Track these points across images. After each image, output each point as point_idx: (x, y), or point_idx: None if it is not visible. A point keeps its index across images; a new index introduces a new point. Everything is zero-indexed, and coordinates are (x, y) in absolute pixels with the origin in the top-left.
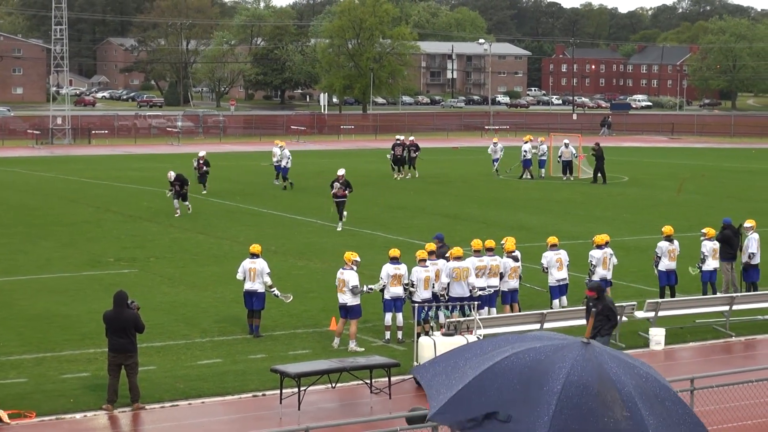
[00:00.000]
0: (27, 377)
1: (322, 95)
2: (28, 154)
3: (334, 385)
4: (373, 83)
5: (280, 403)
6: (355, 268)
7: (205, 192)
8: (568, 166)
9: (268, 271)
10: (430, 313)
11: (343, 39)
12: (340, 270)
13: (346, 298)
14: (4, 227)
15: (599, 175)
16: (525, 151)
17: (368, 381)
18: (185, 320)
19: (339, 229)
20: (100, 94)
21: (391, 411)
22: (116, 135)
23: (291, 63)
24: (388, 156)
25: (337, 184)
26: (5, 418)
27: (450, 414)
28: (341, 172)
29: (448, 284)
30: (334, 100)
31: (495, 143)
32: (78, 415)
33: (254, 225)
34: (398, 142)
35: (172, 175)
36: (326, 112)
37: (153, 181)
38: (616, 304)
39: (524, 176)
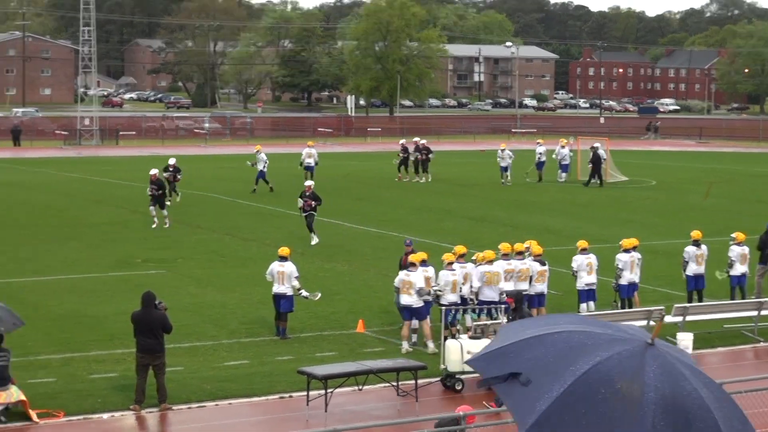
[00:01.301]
0: (55, 377)
1: (349, 97)
2: (56, 154)
3: (360, 387)
4: (400, 86)
5: (307, 405)
6: (420, 269)
7: (178, 200)
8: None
9: (297, 274)
10: (458, 316)
11: (370, 41)
12: (405, 272)
13: (412, 300)
14: (32, 228)
15: (594, 178)
16: (563, 155)
17: (395, 383)
18: (213, 321)
19: (314, 243)
20: (127, 96)
21: (417, 414)
22: (144, 136)
23: (318, 65)
24: (395, 161)
25: (300, 201)
26: (34, 417)
27: (483, 362)
28: (308, 183)
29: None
30: (361, 102)
31: (503, 150)
32: (106, 415)
33: (281, 227)
34: (404, 145)
35: (155, 172)
36: (353, 114)
37: (180, 182)
38: (642, 308)
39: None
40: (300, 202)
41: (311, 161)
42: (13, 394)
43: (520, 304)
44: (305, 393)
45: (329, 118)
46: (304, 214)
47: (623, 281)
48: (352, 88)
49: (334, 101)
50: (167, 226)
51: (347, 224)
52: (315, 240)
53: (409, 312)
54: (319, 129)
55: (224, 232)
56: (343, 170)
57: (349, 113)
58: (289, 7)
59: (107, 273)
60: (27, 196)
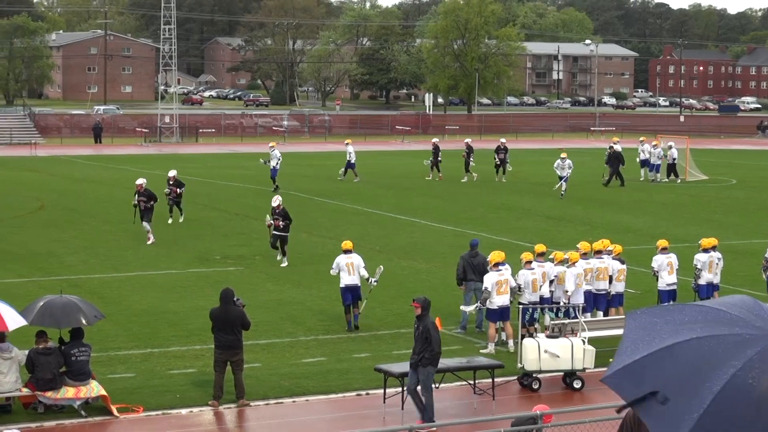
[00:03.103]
0: (135, 372)
1: (427, 95)
2: (136, 151)
3: (437, 385)
4: (478, 83)
5: (384, 402)
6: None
7: (181, 220)
8: (672, 169)
9: (364, 264)
10: (535, 315)
11: (449, 39)
12: (498, 272)
13: (507, 300)
14: (113, 224)
15: (615, 177)
16: (656, 154)
17: (472, 382)
18: (290, 318)
19: (284, 265)
20: (207, 93)
21: (494, 413)
22: (223, 134)
23: (396, 63)
24: (426, 162)
25: (268, 216)
26: (115, 412)
27: (617, 380)
28: (276, 201)
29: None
30: (440, 100)
31: (563, 158)
32: (184, 411)
33: (358, 224)
34: (436, 144)
35: (142, 182)
36: (431, 112)
37: (259, 179)
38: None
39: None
40: (268, 219)
41: (272, 162)
42: (94, 388)
43: (426, 310)
44: (382, 390)
45: (407, 116)
46: (274, 233)
47: (702, 281)
48: (431, 86)
49: (412, 99)
50: (150, 242)
51: (425, 222)
52: (284, 263)
53: (500, 313)
54: (397, 127)
55: (302, 230)
56: (421, 169)
57: (427, 111)
58: (368, 5)
59: (186, 269)
60: (107, 192)
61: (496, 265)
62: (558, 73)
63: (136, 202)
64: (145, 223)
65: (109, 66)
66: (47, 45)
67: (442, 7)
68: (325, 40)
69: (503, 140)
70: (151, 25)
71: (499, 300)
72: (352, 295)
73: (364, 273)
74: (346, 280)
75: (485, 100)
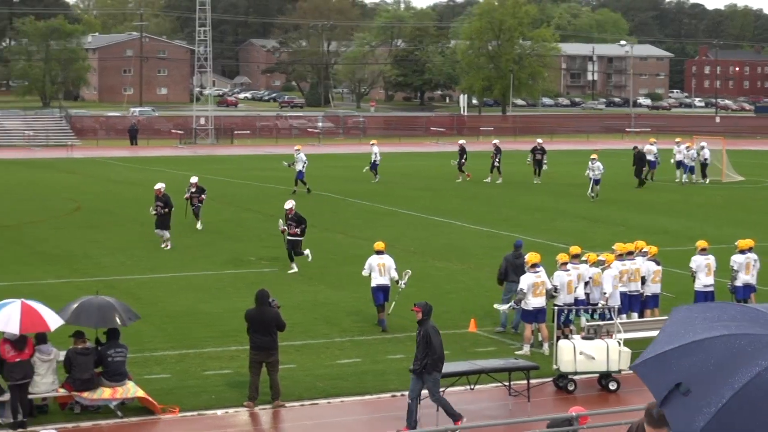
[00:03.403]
0: (170, 373)
1: (461, 96)
2: (171, 153)
3: (472, 386)
4: (513, 84)
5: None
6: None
7: (200, 227)
8: (703, 170)
9: (395, 266)
10: (570, 316)
11: (483, 40)
12: (535, 273)
13: (543, 301)
14: (149, 226)
15: (642, 177)
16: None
17: (507, 383)
18: (325, 319)
19: (293, 271)
20: (242, 95)
21: (529, 414)
22: (258, 135)
23: (431, 64)
24: (453, 162)
25: (281, 221)
26: (158, 409)
27: (644, 368)
28: (289, 205)
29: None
30: (474, 101)
31: (593, 159)
32: (220, 412)
33: (393, 225)
34: (462, 146)
35: (161, 187)
36: (466, 113)
37: (293, 180)
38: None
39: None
40: (281, 224)
41: (299, 165)
42: (130, 389)
43: (427, 314)
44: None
45: (442, 117)
46: (289, 238)
47: (739, 283)
48: (465, 87)
49: (447, 100)
50: (168, 247)
51: (459, 223)
52: (294, 269)
53: (535, 315)
54: (432, 128)
55: (337, 231)
56: (455, 170)
57: (462, 112)
58: (402, 6)
59: (221, 270)
60: (143, 194)
61: (534, 266)
62: (593, 74)
63: (154, 210)
64: (163, 231)
65: (145, 68)
66: (83, 47)
67: (476, 8)
68: (360, 41)
69: (540, 141)
70: (186, 27)
71: (535, 301)
72: (383, 294)
73: (395, 274)
74: (378, 280)
75: (520, 101)
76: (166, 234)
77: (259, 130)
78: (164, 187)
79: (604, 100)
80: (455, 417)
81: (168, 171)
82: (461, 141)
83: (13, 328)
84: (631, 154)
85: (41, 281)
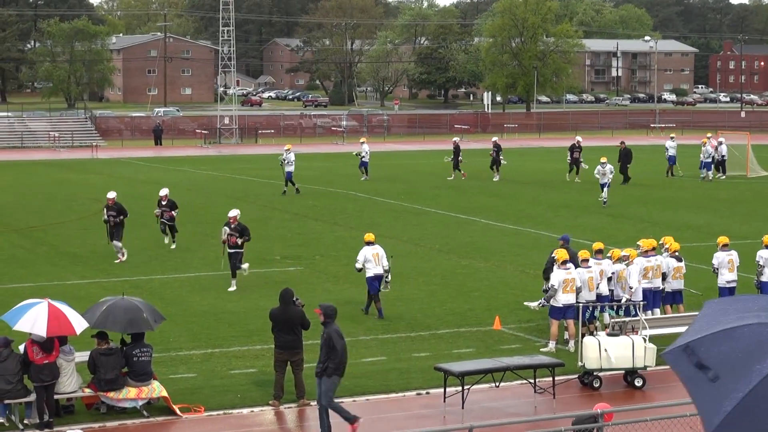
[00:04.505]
0: (196, 372)
1: (485, 94)
2: (196, 153)
3: (497, 384)
4: (537, 81)
5: (444, 401)
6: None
7: (173, 246)
8: (722, 164)
9: (385, 255)
10: (595, 313)
11: (506, 37)
12: (566, 270)
13: (573, 298)
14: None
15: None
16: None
17: (532, 380)
18: (349, 318)
19: (231, 289)
20: (266, 94)
21: (554, 411)
22: (282, 134)
23: (454, 62)
24: (447, 159)
25: (226, 229)
26: (177, 411)
27: (676, 355)
28: (233, 213)
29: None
30: (498, 98)
31: (603, 164)
32: (245, 411)
33: (417, 224)
34: (457, 144)
35: (113, 196)
36: (490, 110)
37: (318, 179)
38: None
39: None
40: (224, 233)
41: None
42: (155, 389)
43: (330, 317)
44: (442, 390)
45: (466, 114)
46: (229, 251)
47: (765, 278)
48: (489, 85)
49: (471, 98)
50: (123, 259)
51: (483, 221)
52: (233, 286)
53: (564, 311)
54: (456, 126)
55: (362, 230)
56: (479, 167)
57: (486, 110)
58: (425, 4)
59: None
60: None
61: (564, 262)
62: (617, 70)
63: (106, 217)
64: (115, 242)
65: (169, 68)
66: (107, 48)
67: (498, 5)
68: (383, 40)
69: (579, 138)
70: (209, 27)
71: (564, 298)
72: (378, 283)
73: (386, 263)
74: (375, 270)
75: (544, 98)
76: (119, 245)
77: (283, 129)
78: (116, 196)
79: (629, 96)
80: (351, 420)
81: (192, 171)
82: (455, 138)
83: (41, 330)
84: (617, 150)
85: (68, 282)
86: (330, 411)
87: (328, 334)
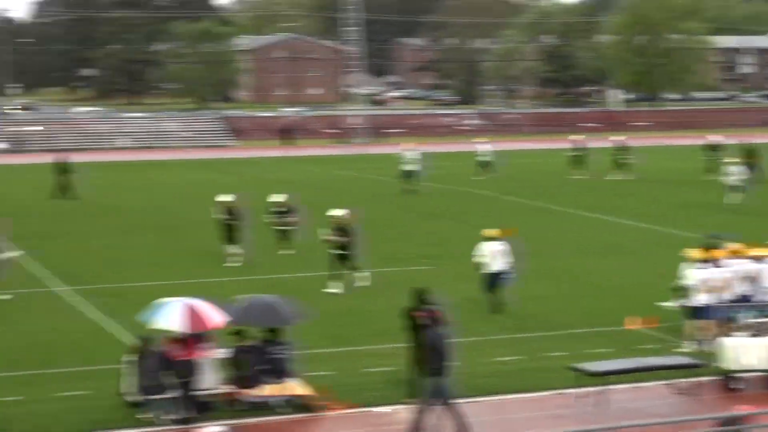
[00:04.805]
0: (330, 370)
1: (612, 92)
2: (324, 152)
3: (636, 384)
4: (663, 79)
5: (581, 401)
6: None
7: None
8: None
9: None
10: (735, 314)
11: (631, 35)
12: (705, 269)
13: (711, 298)
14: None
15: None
16: None
17: (672, 381)
18: (482, 317)
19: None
20: (393, 94)
21: (695, 412)
22: (410, 134)
23: (580, 59)
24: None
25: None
26: (318, 407)
27: None
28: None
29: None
30: (625, 96)
31: (734, 164)
32: (382, 409)
33: (549, 224)
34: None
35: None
36: (617, 108)
37: (447, 179)
38: None
39: None
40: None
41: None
42: (294, 387)
43: (436, 323)
44: (578, 389)
45: (593, 112)
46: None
47: None
48: (615, 83)
49: (598, 96)
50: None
51: (617, 220)
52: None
53: (699, 311)
54: (582, 124)
55: (488, 228)
56: (607, 165)
57: (613, 108)
58: (551, 1)
59: (377, 268)
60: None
61: (704, 261)
62: (747, 67)
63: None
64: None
65: (296, 68)
66: (234, 49)
67: (625, 2)
68: (508, 38)
69: (719, 138)
70: (336, 27)
71: (703, 298)
72: (500, 279)
73: (506, 262)
74: (494, 266)
75: (673, 96)
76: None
77: (411, 128)
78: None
79: (764, 92)
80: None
81: (320, 170)
82: (580, 136)
83: (180, 327)
84: (747, 150)
85: (208, 279)
86: (456, 408)
87: (434, 337)
